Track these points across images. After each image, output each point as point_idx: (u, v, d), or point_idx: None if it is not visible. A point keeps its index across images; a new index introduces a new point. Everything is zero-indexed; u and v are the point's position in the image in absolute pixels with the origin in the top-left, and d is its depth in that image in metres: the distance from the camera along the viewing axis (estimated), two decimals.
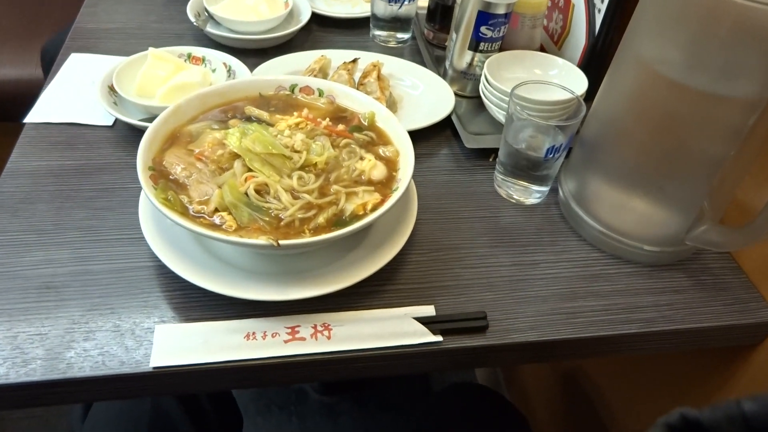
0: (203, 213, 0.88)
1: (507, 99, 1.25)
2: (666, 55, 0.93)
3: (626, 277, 1.07)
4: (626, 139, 1.03)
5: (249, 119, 1.05)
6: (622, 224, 1.08)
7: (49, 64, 2.23)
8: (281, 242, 0.82)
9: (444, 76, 1.47)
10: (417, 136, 1.05)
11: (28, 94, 2.39)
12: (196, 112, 1.05)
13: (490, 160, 1.29)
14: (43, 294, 0.93)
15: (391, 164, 1.00)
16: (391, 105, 1.33)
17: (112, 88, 1.25)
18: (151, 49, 1.31)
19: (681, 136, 0.95)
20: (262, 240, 0.82)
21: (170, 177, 0.93)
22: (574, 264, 1.09)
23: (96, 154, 1.19)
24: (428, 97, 1.39)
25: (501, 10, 1.31)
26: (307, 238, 0.84)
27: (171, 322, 0.91)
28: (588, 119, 1.07)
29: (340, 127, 1.05)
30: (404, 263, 1.02)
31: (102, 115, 1.25)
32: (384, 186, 0.96)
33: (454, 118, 1.33)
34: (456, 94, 1.40)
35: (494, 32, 1.34)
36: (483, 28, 1.33)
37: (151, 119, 1.24)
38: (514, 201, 1.20)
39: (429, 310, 0.96)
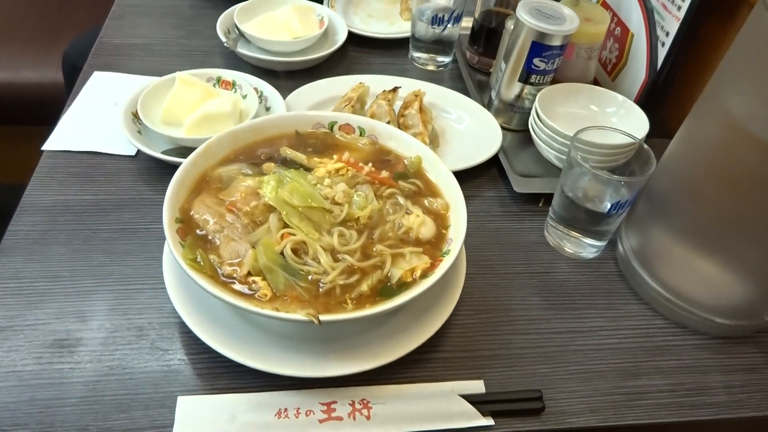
0: (235, 277, 0.79)
1: (558, 137, 1.15)
2: (758, 111, 0.83)
3: (693, 351, 0.97)
4: (703, 198, 0.92)
5: (285, 161, 0.96)
6: (691, 290, 0.98)
7: (70, 68, 2.16)
8: (322, 318, 0.72)
9: (488, 106, 1.37)
10: (460, 175, 0.95)
11: (49, 99, 2.32)
12: (228, 151, 0.96)
13: (540, 205, 1.19)
14: (56, 354, 0.85)
15: (440, 220, 0.91)
16: (433, 139, 1.23)
17: (136, 115, 1.17)
18: (178, 73, 1.22)
19: None
20: (301, 315, 0.72)
21: (198, 231, 0.84)
22: (635, 332, 0.98)
23: (117, 188, 1.11)
24: (473, 131, 1.29)
25: (557, 42, 1.20)
26: (351, 313, 0.75)
27: (195, 391, 0.82)
28: (658, 171, 0.97)
29: (384, 173, 0.95)
30: (450, 326, 0.92)
31: (124, 143, 1.17)
32: (433, 247, 0.87)
33: (501, 156, 1.23)
34: (501, 127, 1.30)
35: (548, 64, 1.23)
36: (536, 60, 1.23)
37: (176, 150, 1.16)
38: (566, 254, 1.09)
39: (478, 386, 0.87)
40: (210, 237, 0.83)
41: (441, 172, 0.94)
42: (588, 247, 1.07)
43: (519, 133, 1.34)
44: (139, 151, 1.14)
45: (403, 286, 0.81)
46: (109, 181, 1.12)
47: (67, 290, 0.92)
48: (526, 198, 1.18)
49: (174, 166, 1.05)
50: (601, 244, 1.07)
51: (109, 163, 1.15)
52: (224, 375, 0.84)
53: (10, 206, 1.07)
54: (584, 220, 1.03)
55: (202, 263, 0.78)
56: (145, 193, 1.11)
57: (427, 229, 0.88)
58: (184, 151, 1.14)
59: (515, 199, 1.19)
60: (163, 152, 1.14)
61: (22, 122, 2.33)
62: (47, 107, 1.85)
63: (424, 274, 0.82)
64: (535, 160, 1.26)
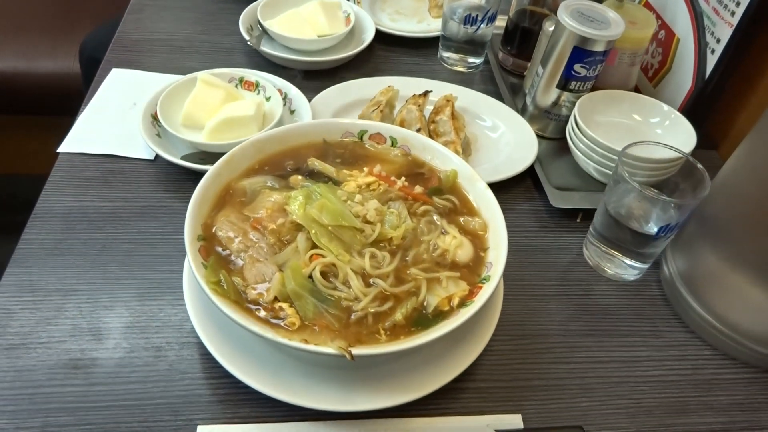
0: (261, 303, 0.73)
1: (598, 149, 1.08)
2: None
3: (746, 386, 0.90)
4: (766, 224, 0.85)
5: (312, 174, 0.90)
6: (743, 320, 0.91)
7: (88, 60, 2.11)
8: (355, 352, 0.67)
9: (522, 111, 1.30)
10: (493, 186, 0.90)
11: (66, 89, 2.28)
12: (252, 161, 0.91)
13: (578, 220, 1.13)
14: (70, 375, 0.80)
15: (477, 241, 0.85)
16: (465, 147, 1.17)
17: (155, 117, 1.11)
18: (199, 73, 1.17)
19: None
20: (332, 349, 0.67)
21: (221, 249, 0.78)
22: (682, 363, 0.92)
23: (135, 195, 1.06)
24: (507, 139, 1.22)
25: (600, 47, 1.13)
26: (385, 347, 0.69)
27: (216, 419, 0.78)
28: (713, 191, 0.90)
29: (418, 189, 0.89)
30: (485, 352, 0.86)
31: (143, 147, 1.12)
32: (471, 271, 0.81)
33: (537, 167, 1.17)
34: (535, 134, 1.23)
35: (589, 71, 1.16)
36: (577, 66, 1.16)
37: (197, 155, 1.11)
38: (607, 275, 1.03)
39: (515, 421, 0.81)
40: (234, 257, 0.78)
41: (478, 189, 0.88)
42: (630, 269, 1.01)
43: (554, 142, 1.27)
44: (158, 156, 1.08)
45: (439, 315, 0.75)
46: (127, 187, 1.07)
47: (82, 305, 0.88)
48: (562, 213, 1.12)
49: (194, 172, 1.00)
50: (644, 266, 1.01)
51: (127, 167, 1.11)
52: (246, 402, 0.79)
53: (29, 198, 1.03)
54: (629, 242, 0.97)
55: (225, 287, 0.73)
56: (164, 200, 1.06)
57: (464, 251, 0.82)
58: (205, 156, 1.09)
59: (551, 213, 1.12)
60: (183, 157, 1.09)
61: (40, 113, 2.29)
62: (65, 98, 1.80)
63: (462, 303, 0.76)
64: (572, 171, 1.19)
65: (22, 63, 2.18)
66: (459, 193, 0.91)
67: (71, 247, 0.95)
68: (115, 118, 1.18)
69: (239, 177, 0.89)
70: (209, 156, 1.09)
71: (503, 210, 0.85)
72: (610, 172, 1.09)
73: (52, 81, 2.24)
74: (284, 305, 0.73)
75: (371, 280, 0.77)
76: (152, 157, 1.11)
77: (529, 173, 1.16)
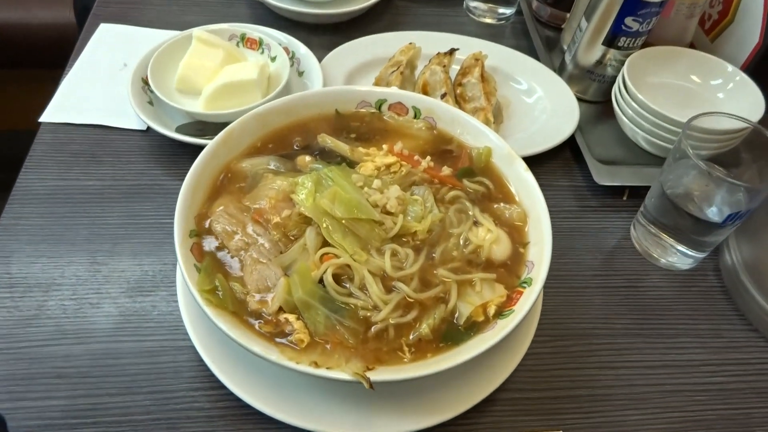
0: (263, 315, 0.62)
1: (650, 116, 0.94)
2: None
3: None
4: None
5: (323, 153, 0.77)
6: None
7: (82, 10, 1.96)
8: (374, 378, 0.56)
9: (559, 71, 1.15)
10: (527, 160, 0.77)
11: (62, 40, 2.14)
12: (254, 138, 0.79)
13: (624, 198, 1.00)
14: (52, 386, 0.71)
15: (515, 234, 0.72)
16: (497, 114, 1.03)
17: (146, 82, 0.98)
18: (195, 30, 1.03)
19: None
20: (346, 374, 0.56)
21: (216, 246, 0.67)
22: (745, 368, 0.81)
23: (125, 171, 0.94)
24: (543, 105, 1.08)
25: None
26: (409, 371, 0.59)
27: None
28: None
29: (446, 170, 0.77)
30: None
31: (134, 116, 0.99)
32: (509, 272, 0.69)
33: (578, 137, 1.03)
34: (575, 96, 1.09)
35: (642, 25, 1.01)
36: (628, 20, 1.00)
37: (193, 125, 0.98)
38: (657, 263, 0.91)
39: None
40: (232, 257, 0.67)
41: (517, 170, 0.76)
42: (685, 257, 0.89)
43: (596, 106, 1.13)
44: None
45: (473, 327, 0.64)
46: (116, 163, 0.95)
47: (65, 304, 0.77)
48: (606, 190, 0.99)
49: (192, 146, 0.88)
50: (702, 255, 0.88)
51: (117, 139, 0.99)
52: (249, 418, 0.69)
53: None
54: (688, 229, 0.84)
55: (222, 295, 0.62)
56: (158, 178, 0.94)
57: (500, 247, 0.70)
58: (203, 126, 0.97)
59: (594, 191, 0.99)
60: (178, 128, 0.96)
61: (36, 65, 2.16)
62: (60, 49, 1.66)
63: (500, 312, 0.65)
64: (616, 140, 1.05)
65: (16, 14, 2.05)
66: (494, 175, 0.78)
67: (53, 233, 0.85)
68: (104, 81, 1.05)
69: (239, 157, 0.77)
70: (208, 127, 0.97)
71: (539, 186, 0.73)
72: (662, 143, 0.96)
73: (47, 31, 2.11)
74: (291, 317, 0.62)
75: (393, 284, 0.65)
76: (145, 128, 0.98)
77: (568, 143, 1.03)
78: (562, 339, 0.81)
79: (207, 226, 0.69)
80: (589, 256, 0.91)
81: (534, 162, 0.96)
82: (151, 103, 0.98)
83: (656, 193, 0.86)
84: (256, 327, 0.61)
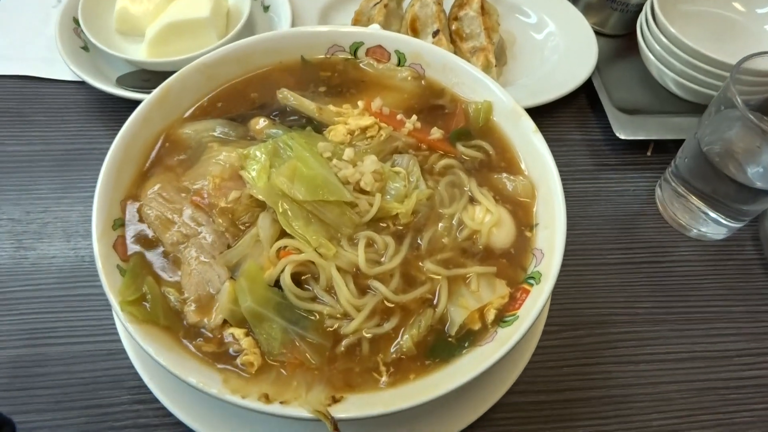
0: (204, 329, 0.50)
1: (682, 53, 0.78)
2: None
3: None
4: None
5: (283, 113, 0.63)
6: None
7: None
8: (339, 416, 0.44)
9: None
10: (535, 110, 0.63)
11: None
12: (198, 95, 0.64)
13: (648, 154, 0.85)
14: None
15: (520, 213, 0.59)
16: (499, 55, 0.87)
17: (78, 22, 0.82)
18: None
19: None
20: (304, 410, 0.44)
21: (147, 243, 0.54)
22: None
23: (58, 133, 0.80)
24: (555, 41, 0.91)
25: None
26: (385, 403, 0.47)
27: None
28: None
29: (436, 133, 0.62)
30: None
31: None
32: (511, 262, 0.56)
33: (595, 80, 0.87)
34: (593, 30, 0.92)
35: None
36: None
37: (137, 75, 0.83)
38: (685, 232, 0.78)
39: None
40: (167, 253, 0.53)
41: (524, 131, 0.61)
42: (719, 227, 0.75)
43: (617, 41, 0.97)
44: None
45: (468, 338, 0.51)
46: (47, 123, 0.81)
47: None
48: (628, 144, 0.84)
49: (137, 101, 0.72)
50: (739, 225, 0.75)
51: (50, 93, 0.84)
52: None
53: None
54: (727, 195, 0.70)
55: (151, 306, 0.49)
56: (97, 141, 0.80)
57: (502, 232, 0.57)
58: (150, 76, 0.82)
59: (613, 145, 0.85)
60: (120, 78, 0.81)
61: None
62: None
63: (501, 316, 0.52)
64: (641, 83, 0.90)
65: None
66: (495, 138, 0.63)
67: None
68: (33, 22, 0.89)
69: (180, 121, 0.62)
70: (156, 76, 0.81)
71: (546, 142, 0.58)
72: (698, 87, 0.80)
73: None
74: (238, 333, 0.49)
75: (368, 284, 0.52)
76: (82, 79, 0.83)
77: (584, 88, 0.87)
78: (573, 328, 0.69)
79: (136, 212, 0.55)
80: (606, 226, 0.77)
81: (543, 112, 0.82)
82: (85, 48, 0.82)
83: (690, 151, 0.71)
84: (194, 347, 0.49)
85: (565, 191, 0.59)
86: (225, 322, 0.50)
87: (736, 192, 0.69)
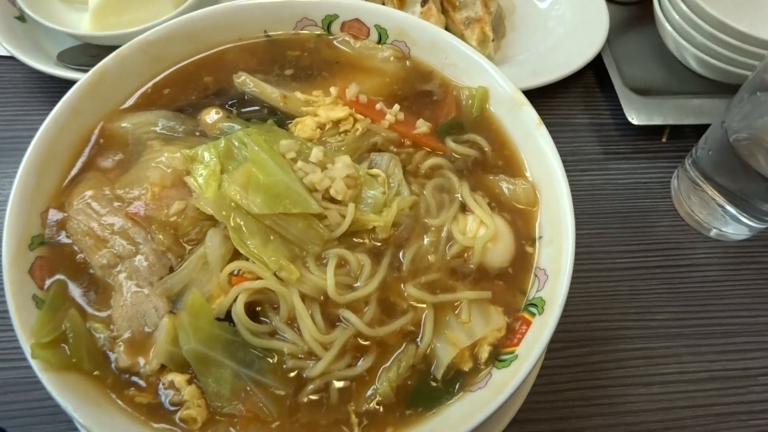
0: (138, 376, 0.41)
1: (705, 25, 0.69)
2: None
3: None
4: None
5: (241, 103, 0.53)
6: None
7: None
8: None
9: None
10: (536, 92, 0.55)
11: None
12: (141, 80, 0.55)
13: (663, 140, 0.76)
14: None
15: (520, 223, 0.51)
16: (497, 27, 0.77)
17: None
18: None
19: None
20: None
21: (72, 267, 0.45)
22: None
23: None
24: (560, 10, 0.81)
25: None
26: None
27: None
28: None
29: (422, 127, 0.53)
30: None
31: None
32: (509, 285, 0.48)
33: (606, 56, 0.77)
34: None
35: None
36: None
37: (84, 50, 0.72)
38: (708, 235, 0.69)
39: None
40: (95, 278, 0.44)
41: (525, 124, 0.52)
42: (740, 226, 0.67)
43: (630, 9, 0.87)
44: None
45: (456, 380, 0.44)
46: None
47: None
48: (640, 129, 0.75)
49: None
50: (764, 226, 0.66)
51: None
52: None
53: None
54: (757, 193, 0.61)
55: (71, 348, 0.40)
56: (38, 126, 0.69)
57: (500, 248, 0.48)
58: (97, 51, 0.71)
59: (624, 130, 0.77)
60: (62, 54, 0.70)
61: None
62: None
63: (497, 353, 0.43)
64: (657, 58, 0.81)
65: None
66: (491, 132, 0.55)
67: None
68: None
69: (117, 112, 0.52)
70: (105, 52, 0.70)
71: (549, 127, 0.49)
72: (723, 65, 0.71)
73: None
74: (178, 380, 0.41)
75: (339, 314, 0.43)
76: (12, 54, 0.72)
77: (592, 64, 0.78)
78: (578, 345, 0.61)
79: (60, 227, 0.46)
80: (615, 224, 0.69)
81: (545, 92, 0.74)
82: (21, 18, 0.71)
83: (715, 143, 0.62)
84: (125, 399, 0.40)
85: (570, 183, 0.51)
86: (163, 367, 0.42)
87: (766, 191, 0.60)
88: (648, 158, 0.74)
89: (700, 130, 0.69)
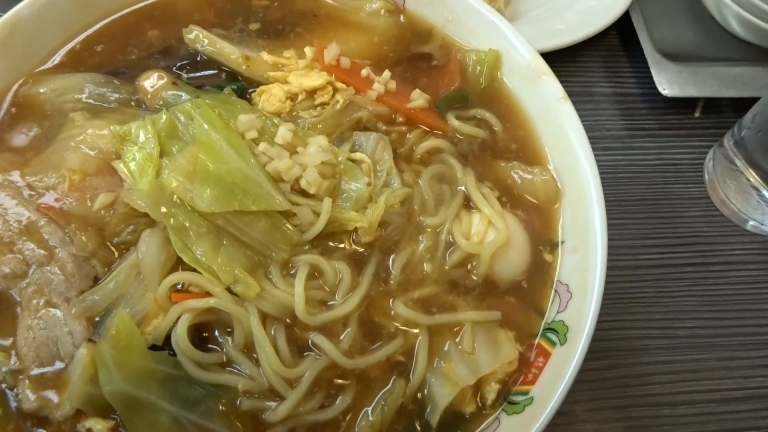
0: (48, 421, 0.32)
1: None
2: None
3: None
4: None
5: (192, 66, 0.42)
6: None
7: None
8: None
9: None
10: (554, 55, 0.51)
11: None
12: (66, 33, 0.44)
13: (696, 115, 0.67)
14: None
15: (537, 223, 0.42)
16: None
17: None
18: None
19: None
20: None
21: None
22: None
23: None
24: None
25: None
26: None
27: None
28: None
29: (417, 99, 0.43)
30: None
31: None
32: (522, 301, 0.39)
33: (634, 14, 0.68)
34: None
35: None
36: None
37: None
38: (745, 227, 0.60)
39: None
40: None
41: (545, 97, 0.43)
42: None
43: None
44: None
45: (455, 427, 0.34)
46: None
47: None
48: (670, 101, 0.66)
49: None
50: None
51: None
52: None
53: None
54: None
55: None
56: None
57: (512, 253, 0.39)
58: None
59: (651, 101, 0.68)
60: None
61: None
62: None
63: (506, 391, 0.35)
64: (691, 16, 0.73)
65: None
66: (503, 107, 0.46)
67: None
68: None
69: (33, 74, 0.41)
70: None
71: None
72: None
73: None
74: (99, 427, 0.31)
75: (310, 339, 0.34)
76: None
77: (616, 24, 0.68)
78: (595, 357, 0.55)
79: None
80: (641, 213, 0.61)
81: (562, 55, 0.63)
82: None
83: (765, 122, 0.52)
84: None
85: None
86: (80, 412, 0.32)
87: None
88: (679, 136, 0.66)
89: (739, 104, 0.61)
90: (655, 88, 0.64)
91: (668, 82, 0.64)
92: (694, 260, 0.59)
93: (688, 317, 0.56)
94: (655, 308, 0.57)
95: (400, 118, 0.44)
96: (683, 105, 0.67)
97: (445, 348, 0.36)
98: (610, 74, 0.69)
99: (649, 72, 0.65)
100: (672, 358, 0.55)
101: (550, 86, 0.42)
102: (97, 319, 0.34)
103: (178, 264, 0.36)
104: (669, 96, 0.64)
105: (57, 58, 0.44)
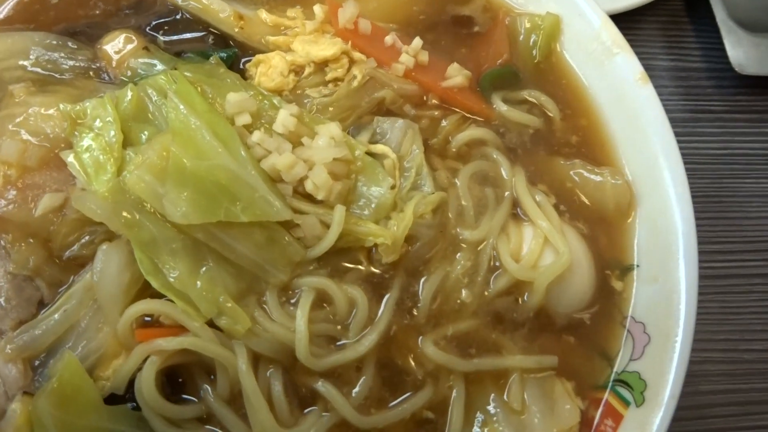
0: None
1: None
2: None
3: None
4: None
5: (174, 27, 0.33)
6: None
7: None
8: None
9: None
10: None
11: None
12: None
13: None
14: None
15: (604, 239, 0.32)
16: None
17: None
18: None
19: None
20: None
21: None
22: None
23: None
24: None
25: None
26: None
27: None
28: None
29: (455, 76, 0.34)
30: None
31: None
32: (582, 341, 0.31)
33: None
34: None
35: None
36: None
37: None
38: None
39: None
40: None
41: (620, 78, 0.33)
42: None
43: None
44: None
45: None
46: None
47: None
48: (747, 80, 0.57)
49: None
50: None
51: None
52: None
53: None
54: None
55: None
56: None
57: (572, 281, 0.30)
58: None
59: (719, 78, 0.58)
60: None
61: None
62: None
63: None
64: None
65: None
66: (562, 87, 0.37)
67: None
68: None
69: None
70: None
71: None
72: None
73: None
74: None
75: (314, 387, 0.26)
76: None
77: None
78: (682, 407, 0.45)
79: None
80: (703, 214, 0.54)
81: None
82: None
83: None
84: None
85: None
86: None
87: None
88: (752, 121, 0.58)
89: None
90: (727, 63, 0.55)
91: (743, 57, 0.55)
92: (765, 270, 0.52)
93: (757, 338, 0.49)
94: (718, 326, 0.50)
95: (434, 100, 0.35)
96: (759, 84, 0.58)
97: (487, 404, 0.29)
98: (671, 45, 0.60)
99: (720, 43, 0.55)
100: (736, 387, 0.48)
101: (625, 63, 0.34)
102: (37, 362, 0.27)
103: (146, 288, 0.28)
104: (743, 74, 0.55)
105: (2, 12, 0.35)
